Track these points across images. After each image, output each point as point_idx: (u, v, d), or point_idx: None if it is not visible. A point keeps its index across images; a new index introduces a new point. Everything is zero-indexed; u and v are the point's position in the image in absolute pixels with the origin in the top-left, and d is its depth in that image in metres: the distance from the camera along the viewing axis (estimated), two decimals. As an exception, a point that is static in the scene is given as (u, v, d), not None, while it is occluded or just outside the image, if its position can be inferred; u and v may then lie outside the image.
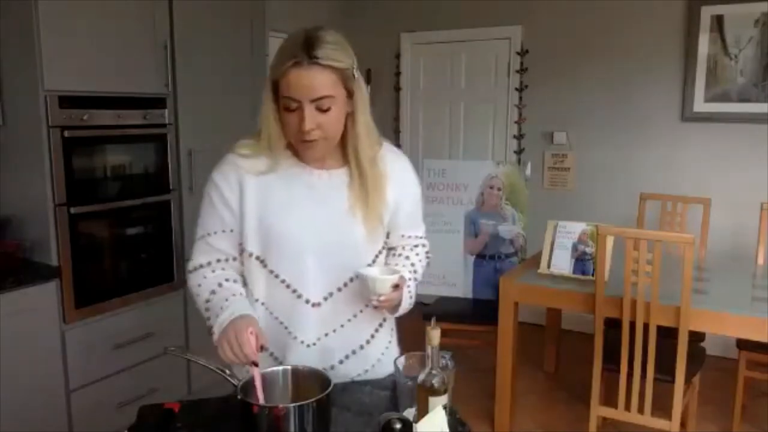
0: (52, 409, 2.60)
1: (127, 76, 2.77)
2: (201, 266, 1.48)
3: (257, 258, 1.44)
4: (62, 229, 2.59)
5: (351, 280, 1.45)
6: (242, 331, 1.31)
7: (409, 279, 1.49)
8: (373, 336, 1.54)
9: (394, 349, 1.61)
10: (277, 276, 1.44)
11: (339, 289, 1.45)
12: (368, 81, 4.85)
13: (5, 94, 2.60)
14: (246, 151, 1.43)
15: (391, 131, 4.87)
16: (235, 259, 1.47)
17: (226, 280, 1.46)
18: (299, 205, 1.42)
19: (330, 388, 1.23)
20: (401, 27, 4.78)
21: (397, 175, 1.51)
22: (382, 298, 1.36)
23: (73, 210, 2.61)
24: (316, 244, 1.42)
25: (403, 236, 1.57)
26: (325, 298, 1.45)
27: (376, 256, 1.50)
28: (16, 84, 2.56)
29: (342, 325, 1.48)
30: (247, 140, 1.45)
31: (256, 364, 1.28)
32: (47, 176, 2.53)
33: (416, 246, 1.61)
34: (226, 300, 1.41)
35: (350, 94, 1.36)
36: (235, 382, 1.30)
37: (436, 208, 3.60)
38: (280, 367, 1.37)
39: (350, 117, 1.39)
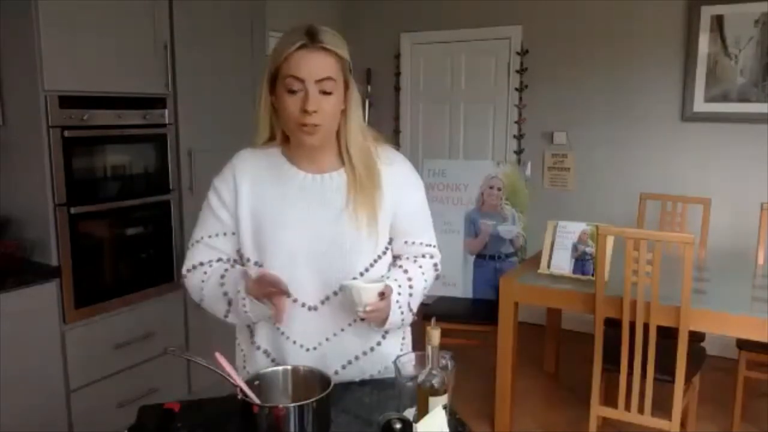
0: (52, 409, 2.60)
1: (127, 76, 2.77)
2: (201, 264, 1.47)
3: (256, 263, 1.44)
4: (62, 229, 2.59)
5: None
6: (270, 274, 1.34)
7: (398, 292, 1.41)
8: (379, 343, 1.50)
9: None
10: None
11: (335, 293, 1.42)
12: (368, 81, 4.85)
13: (5, 94, 2.60)
14: (244, 156, 1.47)
15: (391, 131, 4.87)
16: (235, 261, 1.48)
17: (233, 266, 1.46)
18: (291, 207, 1.42)
19: (330, 388, 1.23)
20: (401, 27, 4.77)
21: (395, 177, 1.47)
22: (369, 308, 1.32)
23: (73, 210, 2.61)
24: (308, 247, 1.41)
25: (406, 242, 1.51)
26: (322, 302, 1.43)
27: (375, 261, 1.46)
28: (16, 84, 2.56)
29: (342, 329, 1.46)
30: (246, 149, 1.49)
31: (287, 294, 1.34)
32: (47, 176, 2.53)
33: (423, 257, 1.54)
34: (245, 272, 1.41)
35: (347, 87, 1.38)
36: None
37: (436, 208, 3.56)
38: (280, 367, 1.37)
39: (343, 114, 1.40)
